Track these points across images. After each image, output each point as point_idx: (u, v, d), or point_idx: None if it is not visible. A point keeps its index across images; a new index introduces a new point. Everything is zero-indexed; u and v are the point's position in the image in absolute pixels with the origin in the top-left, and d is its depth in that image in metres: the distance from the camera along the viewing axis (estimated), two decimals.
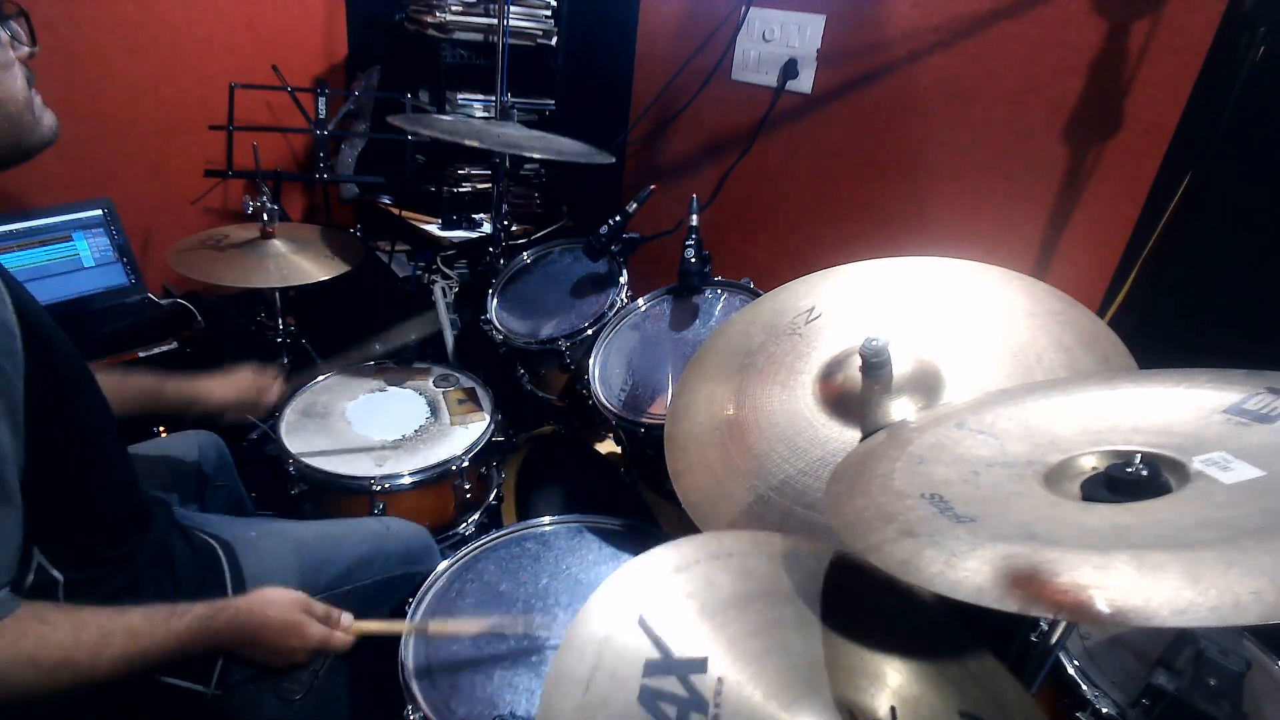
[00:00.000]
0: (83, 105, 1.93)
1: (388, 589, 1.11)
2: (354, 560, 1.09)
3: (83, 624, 0.72)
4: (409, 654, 0.94)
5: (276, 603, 0.87)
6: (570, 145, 1.59)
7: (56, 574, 0.77)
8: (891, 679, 0.64)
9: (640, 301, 1.49)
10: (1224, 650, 0.82)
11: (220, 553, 1.00)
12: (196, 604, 0.82)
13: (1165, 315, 1.23)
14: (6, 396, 0.67)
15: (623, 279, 1.55)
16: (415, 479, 1.32)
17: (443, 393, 1.57)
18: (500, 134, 1.53)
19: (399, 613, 1.02)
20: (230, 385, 1.19)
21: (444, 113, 2.06)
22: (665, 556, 0.69)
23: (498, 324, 1.61)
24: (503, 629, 0.99)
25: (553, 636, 0.98)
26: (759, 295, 1.23)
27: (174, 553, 0.94)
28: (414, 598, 1.02)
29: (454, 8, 1.98)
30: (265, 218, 1.62)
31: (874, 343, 0.83)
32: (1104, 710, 0.83)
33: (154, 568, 0.89)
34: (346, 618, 0.93)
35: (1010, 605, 0.44)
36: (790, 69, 1.72)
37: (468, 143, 1.44)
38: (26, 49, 0.75)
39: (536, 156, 1.59)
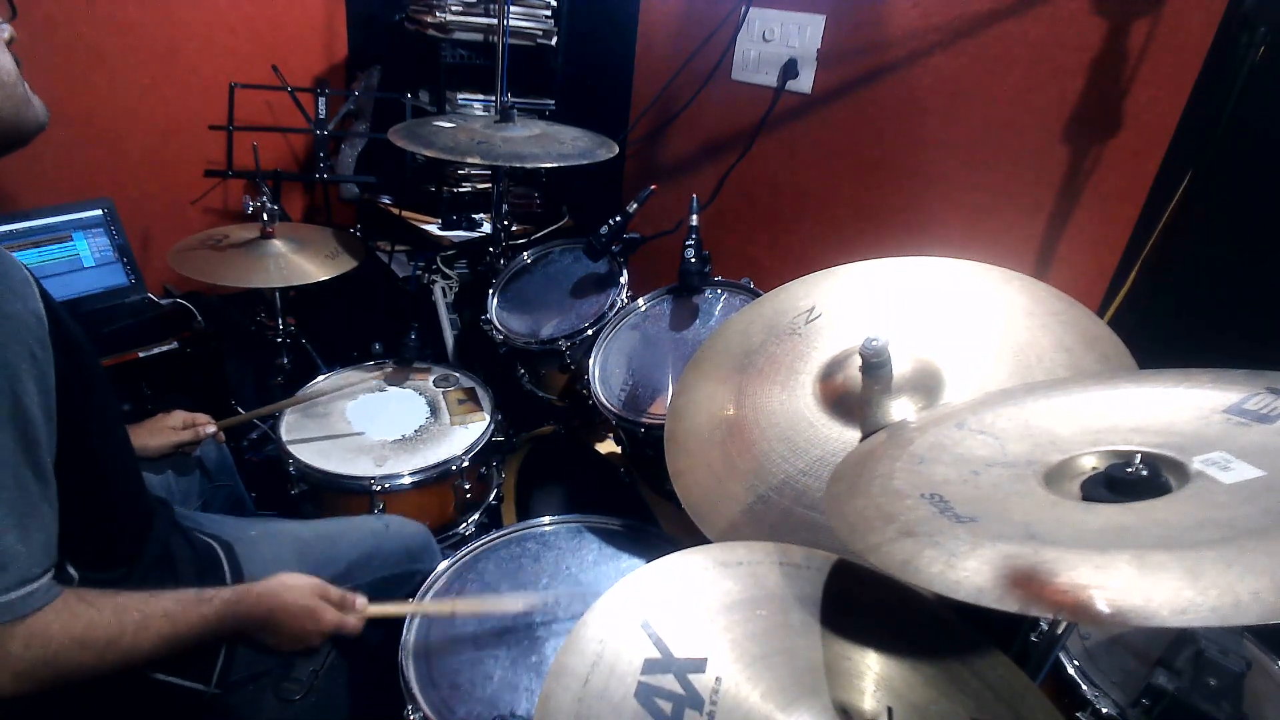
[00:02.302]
0: (83, 105, 1.93)
1: (388, 587, 1.11)
2: (354, 558, 1.09)
3: (123, 607, 0.74)
4: (409, 654, 0.94)
5: (295, 587, 0.89)
6: (574, 139, 1.59)
7: (73, 572, 0.77)
8: (898, 685, 0.64)
9: (640, 301, 1.49)
10: (1224, 650, 0.82)
11: (220, 553, 1.00)
12: (221, 589, 0.84)
13: (1165, 315, 1.23)
14: (41, 385, 0.68)
15: (623, 279, 1.55)
16: (415, 479, 1.32)
17: (443, 393, 1.57)
18: (501, 141, 1.53)
19: (403, 599, 1.03)
20: (163, 434, 1.18)
21: (444, 113, 2.06)
22: (675, 564, 0.69)
23: (498, 324, 1.61)
24: (502, 608, 1.01)
25: (553, 636, 0.98)
26: (759, 295, 1.23)
27: (174, 553, 0.94)
28: (414, 597, 1.02)
29: (454, 8, 1.98)
30: (265, 218, 1.62)
31: (874, 343, 0.83)
32: (1104, 710, 0.83)
33: (156, 568, 0.89)
34: (361, 600, 0.94)
35: (1010, 605, 0.44)
36: (790, 69, 1.72)
37: (469, 160, 1.45)
38: (7, 32, 0.74)
39: (543, 167, 1.59)
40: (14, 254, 1.76)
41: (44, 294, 0.72)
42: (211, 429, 1.23)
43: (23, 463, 0.66)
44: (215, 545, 1.01)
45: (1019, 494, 0.56)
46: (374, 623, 0.96)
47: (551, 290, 1.66)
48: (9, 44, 0.74)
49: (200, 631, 0.80)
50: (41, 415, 0.68)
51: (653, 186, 1.52)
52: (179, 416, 1.21)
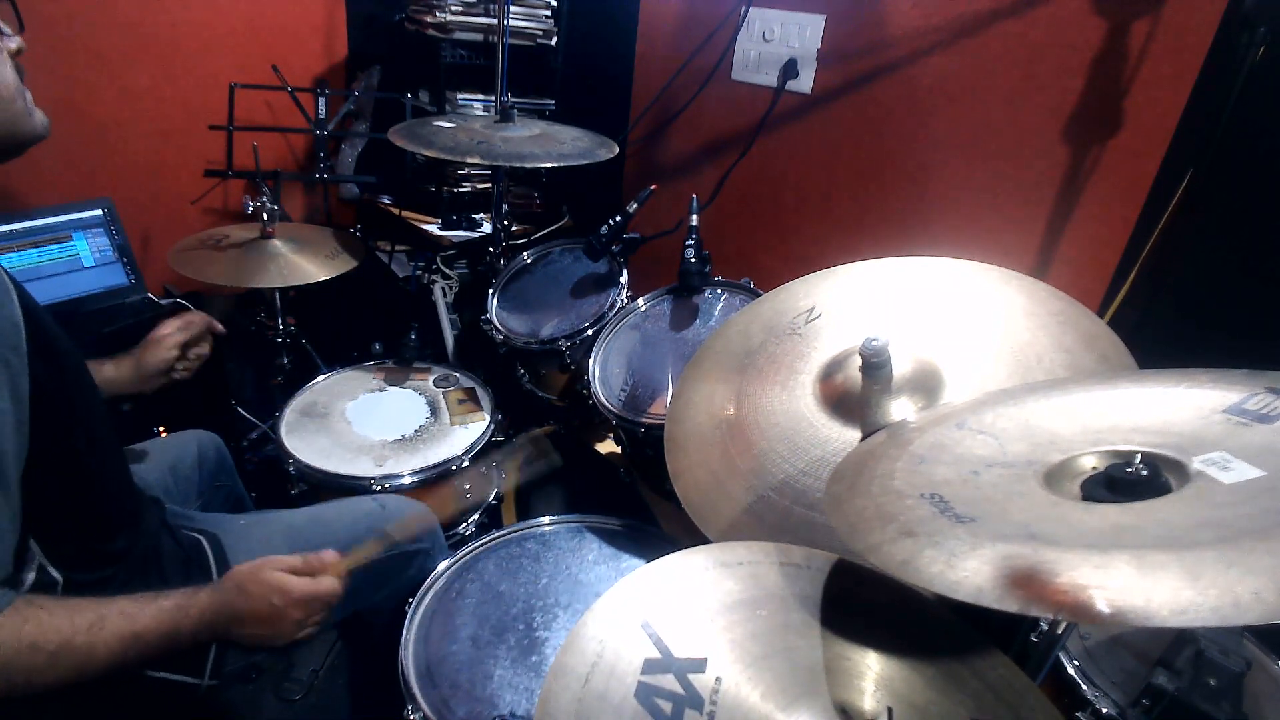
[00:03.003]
0: (83, 105, 1.93)
1: (388, 569, 1.08)
2: (349, 542, 1.03)
3: (77, 607, 0.73)
4: (409, 654, 0.94)
5: (244, 570, 0.85)
6: (574, 139, 1.59)
7: (56, 574, 0.77)
8: (898, 685, 0.64)
9: (640, 301, 1.49)
10: (1224, 650, 0.82)
11: (206, 546, 0.99)
12: (184, 589, 0.82)
13: (1165, 315, 1.23)
14: (13, 391, 0.68)
15: (623, 279, 1.55)
16: (415, 479, 1.32)
17: (443, 393, 1.57)
18: (501, 141, 1.53)
19: (402, 598, 1.01)
20: (157, 349, 1.14)
21: (444, 113, 2.06)
22: (676, 563, 0.69)
23: (498, 324, 1.61)
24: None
25: (553, 636, 0.98)
26: (759, 295, 1.23)
27: (162, 552, 0.94)
28: (413, 597, 1.02)
29: (454, 8, 1.98)
30: (265, 218, 1.62)
31: (874, 343, 0.83)
32: (1104, 710, 0.83)
33: (142, 567, 0.89)
34: (330, 554, 0.89)
35: (1010, 605, 0.44)
36: (790, 69, 1.72)
37: (469, 160, 1.45)
38: (15, 43, 0.75)
39: (543, 167, 1.58)
40: (13, 254, 1.74)
41: (24, 298, 0.71)
42: (216, 325, 1.19)
43: None
44: (201, 539, 1.00)
45: (1019, 494, 0.56)
46: (363, 590, 0.93)
47: (551, 290, 1.66)
48: (16, 55, 0.74)
49: (164, 627, 0.77)
50: (11, 423, 0.67)
51: (653, 186, 1.52)
52: (170, 323, 1.15)
